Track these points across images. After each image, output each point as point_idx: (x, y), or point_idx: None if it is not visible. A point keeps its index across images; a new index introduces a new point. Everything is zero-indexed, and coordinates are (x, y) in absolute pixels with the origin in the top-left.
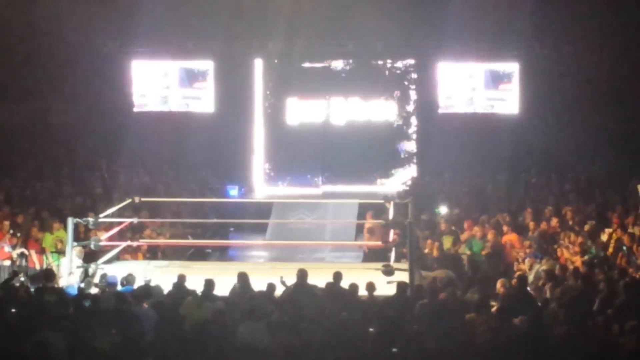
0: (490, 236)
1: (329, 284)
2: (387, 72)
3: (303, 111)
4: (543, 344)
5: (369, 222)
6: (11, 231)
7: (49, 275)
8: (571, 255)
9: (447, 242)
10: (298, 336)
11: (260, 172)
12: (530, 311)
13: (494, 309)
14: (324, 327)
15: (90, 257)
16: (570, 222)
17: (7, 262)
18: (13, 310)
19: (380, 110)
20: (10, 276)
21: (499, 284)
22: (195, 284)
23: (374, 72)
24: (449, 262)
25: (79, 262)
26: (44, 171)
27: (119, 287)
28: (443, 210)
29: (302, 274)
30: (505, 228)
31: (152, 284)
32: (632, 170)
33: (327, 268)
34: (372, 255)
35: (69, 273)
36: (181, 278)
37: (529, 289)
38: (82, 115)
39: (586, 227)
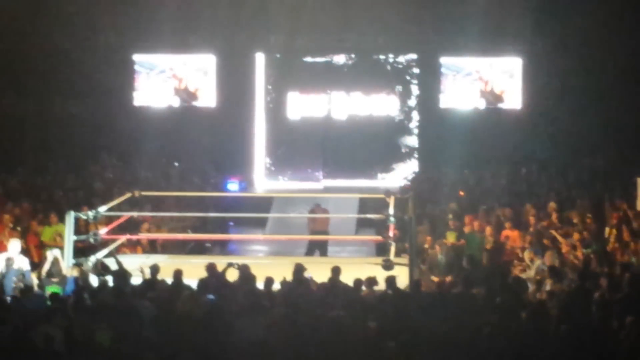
0: (489, 231)
1: (329, 279)
2: (389, 67)
3: (304, 105)
4: (542, 339)
5: (369, 217)
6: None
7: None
8: (572, 250)
9: (451, 237)
10: (296, 331)
11: (261, 166)
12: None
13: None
14: (323, 322)
15: (88, 251)
16: (571, 217)
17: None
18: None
19: (381, 105)
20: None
21: None
22: (194, 279)
23: (376, 66)
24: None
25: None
26: (43, 165)
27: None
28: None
29: (298, 269)
30: (506, 224)
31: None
32: (634, 164)
33: (327, 263)
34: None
35: (70, 266)
36: (178, 273)
37: (529, 284)
38: (83, 108)
39: (587, 222)
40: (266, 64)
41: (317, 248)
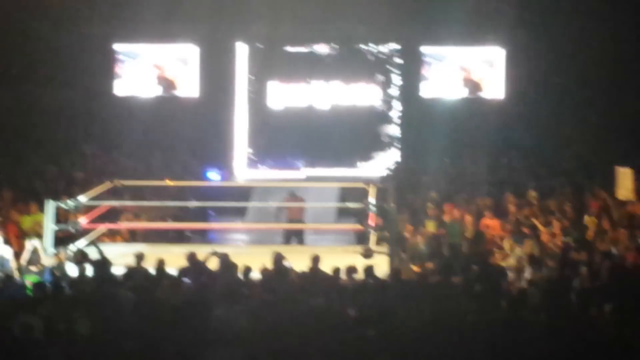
0: (468, 220)
1: (309, 268)
2: (370, 56)
3: (286, 95)
4: (522, 328)
5: (348, 205)
6: None
7: None
8: (551, 238)
9: (431, 226)
10: (276, 319)
11: (243, 155)
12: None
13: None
14: (302, 310)
15: (68, 240)
16: (551, 206)
17: None
18: None
19: (363, 94)
20: None
21: None
22: (175, 268)
23: (357, 56)
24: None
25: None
26: (23, 154)
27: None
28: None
29: (278, 257)
30: (486, 212)
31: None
32: (614, 154)
33: (306, 251)
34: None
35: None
36: (160, 262)
37: (509, 272)
38: (63, 98)
39: (567, 211)
40: (248, 54)
41: (294, 236)
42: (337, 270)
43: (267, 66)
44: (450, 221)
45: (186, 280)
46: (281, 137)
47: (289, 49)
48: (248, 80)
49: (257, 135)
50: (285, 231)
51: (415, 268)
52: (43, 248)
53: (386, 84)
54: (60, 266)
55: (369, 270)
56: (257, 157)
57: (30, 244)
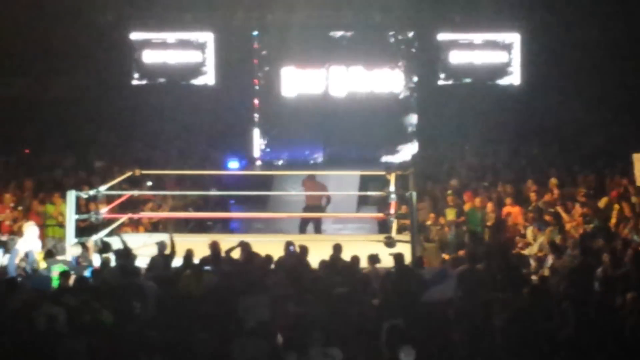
0: (490, 208)
1: (330, 257)
2: (392, 40)
3: (301, 81)
4: (545, 316)
5: (370, 194)
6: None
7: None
8: (573, 226)
9: (451, 214)
10: (299, 309)
11: (260, 144)
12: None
13: None
14: (325, 300)
15: (89, 230)
16: (573, 193)
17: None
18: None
19: (384, 80)
20: None
21: None
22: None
23: (378, 40)
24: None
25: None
26: (43, 145)
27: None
28: None
29: (303, 250)
30: (507, 200)
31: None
32: (634, 140)
33: (329, 240)
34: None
35: (71, 245)
36: (189, 252)
37: (531, 260)
38: (81, 88)
39: (587, 198)
40: (262, 40)
41: (311, 223)
42: (355, 259)
43: (281, 52)
44: (470, 209)
45: (208, 269)
46: (295, 126)
47: (305, 33)
48: (259, 68)
49: (270, 125)
50: (302, 218)
51: (445, 256)
52: (65, 238)
53: (409, 70)
54: (84, 255)
55: (398, 257)
56: (271, 150)
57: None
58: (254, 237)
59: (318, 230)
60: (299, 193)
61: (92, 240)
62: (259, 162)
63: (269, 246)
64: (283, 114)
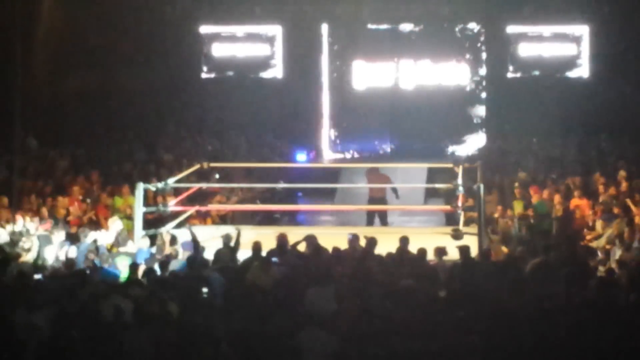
0: (557, 200)
1: (397, 249)
2: (458, 34)
3: (371, 75)
4: (611, 309)
5: (437, 186)
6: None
7: None
8: None
9: (518, 207)
10: (365, 302)
11: (327, 139)
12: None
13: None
14: (392, 293)
15: (157, 223)
16: None
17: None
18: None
19: (451, 73)
20: None
21: None
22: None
23: (445, 33)
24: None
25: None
26: (112, 138)
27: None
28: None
29: (371, 242)
30: (575, 192)
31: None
32: None
33: (396, 233)
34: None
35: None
36: (257, 244)
37: (599, 252)
38: (151, 81)
39: None
40: (331, 33)
41: (377, 215)
42: (422, 251)
43: (351, 45)
44: (538, 202)
45: (275, 261)
46: (365, 118)
47: (374, 26)
48: (330, 61)
49: (341, 117)
50: (367, 211)
51: (504, 249)
52: (133, 230)
53: (476, 63)
54: (157, 248)
55: (463, 250)
56: (341, 141)
57: (114, 225)
58: (321, 229)
59: (384, 222)
60: (364, 185)
61: (163, 232)
62: (328, 155)
63: (337, 239)
64: (353, 106)
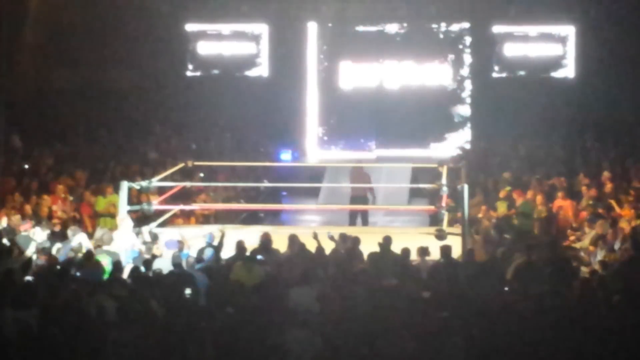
0: (539, 201)
1: (380, 249)
2: (441, 35)
3: (357, 75)
4: (595, 309)
5: (421, 186)
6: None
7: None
8: (626, 219)
9: (502, 207)
10: (348, 302)
11: (314, 136)
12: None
13: None
14: (376, 291)
15: (141, 221)
16: (626, 187)
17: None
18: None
19: (434, 74)
20: None
21: None
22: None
23: (428, 35)
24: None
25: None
26: (96, 136)
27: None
28: None
29: (355, 241)
30: (559, 193)
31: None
32: None
33: (379, 232)
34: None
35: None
36: (240, 243)
37: (582, 253)
38: (136, 79)
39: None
40: (318, 33)
41: (359, 215)
42: (405, 251)
43: (338, 46)
44: (522, 202)
45: (260, 259)
46: (351, 118)
47: (360, 28)
48: (318, 60)
49: (328, 116)
50: (350, 211)
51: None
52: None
53: (457, 64)
54: (146, 247)
55: (444, 251)
56: (328, 138)
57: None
58: (305, 228)
59: (365, 221)
60: (347, 185)
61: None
62: (313, 155)
63: (320, 238)
64: (340, 106)
